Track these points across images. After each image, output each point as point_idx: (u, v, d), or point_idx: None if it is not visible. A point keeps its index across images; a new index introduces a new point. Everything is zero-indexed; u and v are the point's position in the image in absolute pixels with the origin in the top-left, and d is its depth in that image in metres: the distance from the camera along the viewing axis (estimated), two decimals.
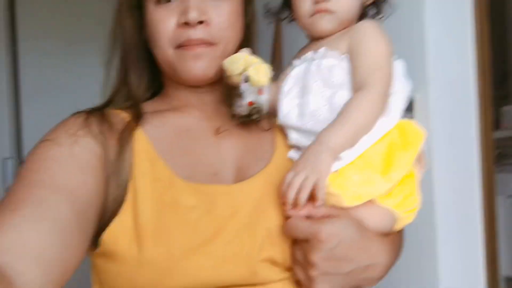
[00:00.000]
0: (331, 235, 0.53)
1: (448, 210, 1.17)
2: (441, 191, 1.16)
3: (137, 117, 0.64)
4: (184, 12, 0.62)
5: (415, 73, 1.17)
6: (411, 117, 1.16)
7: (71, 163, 0.56)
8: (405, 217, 0.60)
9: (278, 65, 1.71)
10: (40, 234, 0.48)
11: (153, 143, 0.62)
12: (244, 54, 0.61)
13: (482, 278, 1.19)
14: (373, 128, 0.58)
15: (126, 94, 0.68)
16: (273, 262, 0.57)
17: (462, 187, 1.19)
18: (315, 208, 0.55)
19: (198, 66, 0.64)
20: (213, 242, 0.55)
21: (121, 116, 0.65)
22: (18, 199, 0.51)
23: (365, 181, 0.55)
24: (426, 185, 1.14)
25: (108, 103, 0.68)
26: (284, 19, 0.71)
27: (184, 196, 0.57)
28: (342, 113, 0.57)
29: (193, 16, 0.61)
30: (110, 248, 0.56)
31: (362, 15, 0.68)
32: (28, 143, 2.36)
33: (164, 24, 0.63)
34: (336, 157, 0.56)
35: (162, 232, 0.55)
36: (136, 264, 0.53)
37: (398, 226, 0.61)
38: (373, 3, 0.68)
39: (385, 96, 0.59)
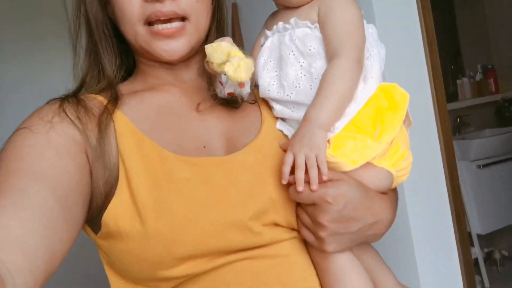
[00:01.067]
0: (338, 197, 0.56)
1: (415, 180, 1.24)
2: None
3: (114, 99, 0.62)
4: None
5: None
6: None
7: (48, 149, 0.54)
8: (400, 175, 0.63)
9: (240, 42, 1.75)
10: (22, 222, 0.47)
11: (134, 124, 0.60)
12: (228, 45, 0.58)
13: (452, 236, 1.29)
14: (356, 94, 0.59)
15: (98, 76, 0.66)
16: (277, 225, 0.59)
17: (425, 158, 1.28)
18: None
19: (173, 46, 0.62)
20: (215, 209, 0.55)
21: (98, 100, 0.62)
22: None
23: (360, 145, 0.58)
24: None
25: (81, 87, 0.66)
26: None
27: (177, 169, 0.57)
28: (323, 85, 0.58)
29: None
30: (113, 229, 0.55)
31: None
32: None
33: (131, 3, 0.61)
34: (328, 130, 0.58)
35: (162, 205, 0.54)
36: (142, 239, 0.53)
37: (394, 184, 0.64)
38: None
39: (359, 61, 0.59)
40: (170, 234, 0.53)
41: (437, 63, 1.32)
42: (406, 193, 1.22)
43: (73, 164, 0.55)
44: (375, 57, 0.63)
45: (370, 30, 0.66)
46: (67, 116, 0.58)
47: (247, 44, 1.98)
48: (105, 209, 0.56)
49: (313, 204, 0.57)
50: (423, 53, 1.29)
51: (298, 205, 0.60)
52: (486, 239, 2.68)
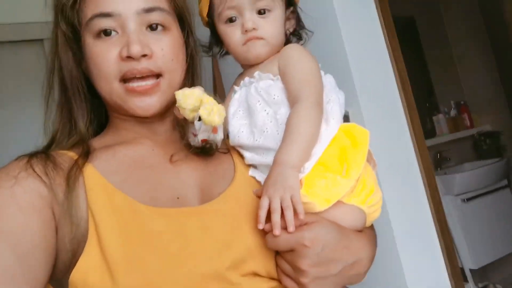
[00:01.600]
0: (315, 240, 0.55)
1: (399, 213, 1.25)
2: (389, 200, 1.24)
3: (85, 154, 0.61)
4: (126, 45, 0.61)
5: (345, 90, 1.29)
6: None
7: (11, 204, 0.52)
8: (372, 211, 0.65)
9: (222, 96, 1.78)
10: None
11: (105, 177, 0.59)
12: (198, 91, 0.60)
13: (445, 272, 1.28)
14: (320, 136, 0.63)
15: (70, 131, 0.66)
16: (257, 275, 0.57)
17: (409, 195, 1.29)
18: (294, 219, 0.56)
19: (147, 102, 0.63)
20: (190, 261, 0.54)
21: (68, 155, 0.61)
22: None
23: (331, 183, 0.60)
24: None
25: (52, 143, 0.65)
26: (217, 53, 0.78)
27: (150, 222, 0.56)
28: (288, 129, 0.62)
29: (136, 49, 0.60)
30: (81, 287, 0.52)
31: (287, 42, 0.76)
32: None
33: (106, 57, 0.62)
34: (299, 171, 0.60)
35: (134, 260, 0.52)
36: None
37: (369, 221, 0.66)
38: (294, 31, 0.78)
39: (319, 104, 0.64)
40: None
41: (412, 102, 1.37)
42: (395, 233, 1.22)
43: (37, 220, 0.53)
44: (334, 101, 0.68)
45: (328, 79, 0.72)
46: (34, 171, 0.56)
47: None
48: (73, 268, 0.53)
49: (292, 251, 0.56)
50: (398, 93, 1.33)
51: (277, 253, 0.59)
52: (479, 274, 2.65)
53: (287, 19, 0.75)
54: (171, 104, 0.66)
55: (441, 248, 1.30)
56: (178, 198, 0.61)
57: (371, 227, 0.69)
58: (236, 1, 0.69)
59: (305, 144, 0.61)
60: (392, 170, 1.26)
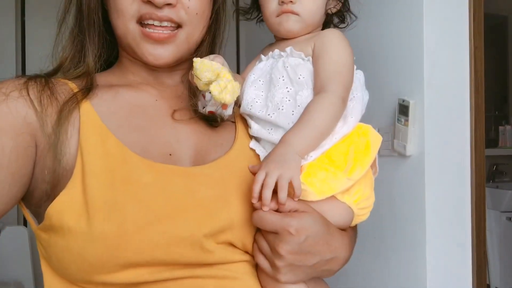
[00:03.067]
0: (301, 230, 0.55)
1: (438, 216, 1.22)
2: (431, 197, 1.21)
3: (87, 89, 0.59)
4: None
5: (412, 78, 1.26)
6: (407, 121, 1.23)
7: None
8: (361, 214, 0.65)
9: (243, 62, 1.64)
10: None
11: (101, 118, 0.58)
12: (219, 66, 0.58)
13: (470, 284, 1.25)
14: (335, 130, 0.63)
15: (77, 62, 0.63)
16: (231, 245, 0.57)
17: (454, 200, 1.25)
18: (285, 202, 0.56)
19: (160, 51, 0.61)
20: (168, 220, 0.53)
21: (68, 86, 0.60)
22: None
23: (330, 177, 0.59)
24: (418, 188, 1.21)
25: (58, 69, 0.63)
26: (253, 18, 0.75)
27: (138, 172, 0.54)
28: (306, 114, 0.61)
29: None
30: (55, 223, 0.52)
31: (327, 22, 0.73)
32: None
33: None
34: (303, 158, 0.60)
35: (114, 207, 0.51)
36: (85, 239, 0.50)
37: (354, 222, 0.66)
38: (337, 12, 0.73)
39: (344, 100, 0.63)
40: (115, 238, 0.51)
41: (481, 106, 1.29)
42: (427, 234, 1.19)
43: (12, 144, 0.52)
44: (358, 99, 0.66)
45: (358, 76, 0.69)
46: (28, 94, 0.55)
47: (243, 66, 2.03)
48: (52, 200, 0.53)
49: (275, 232, 0.56)
50: (468, 94, 1.27)
51: (258, 230, 0.59)
52: None
53: None
54: (185, 58, 0.64)
55: (472, 260, 1.26)
56: (170, 155, 0.60)
57: (354, 228, 0.69)
58: None
59: (318, 135, 0.60)
60: (442, 170, 1.22)
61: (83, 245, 0.51)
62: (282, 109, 0.64)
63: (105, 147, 0.55)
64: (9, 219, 2.27)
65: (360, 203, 0.63)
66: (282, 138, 0.60)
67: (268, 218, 0.55)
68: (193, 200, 0.56)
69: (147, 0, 0.58)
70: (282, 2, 0.66)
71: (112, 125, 0.58)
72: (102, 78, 0.65)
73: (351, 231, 0.66)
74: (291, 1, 0.66)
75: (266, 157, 0.59)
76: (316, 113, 0.60)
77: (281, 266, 0.55)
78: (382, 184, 1.37)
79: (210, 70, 0.57)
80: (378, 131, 1.18)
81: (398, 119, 1.27)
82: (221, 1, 0.68)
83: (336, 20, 0.73)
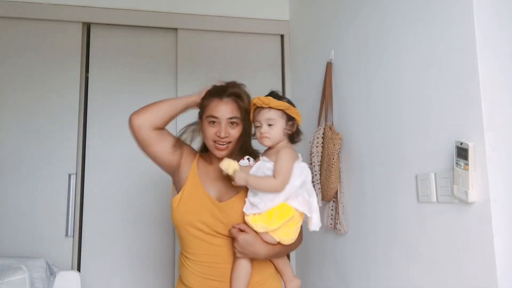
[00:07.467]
0: (242, 240, 1.37)
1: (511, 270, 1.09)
2: (502, 246, 1.09)
3: (200, 156, 1.57)
4: (219, 131, 1.42)
5: (468, 116, 1.17)
6: (467, 164, 1.14)
7: (169, 146, 1.48)
8: (283, 240, 1.39)
9: (329, 96, 2.12)
10: None
11: (198, 169, 1.52)
12: (232, 163, 1.36)
13: None
14: (274, 201, 1.35)
15: (203, 147, 1.59)
16: (220, 234, 1.44)
17: None
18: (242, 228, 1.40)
19: (222, 153, 1.45)
20: (199, 215, 1.46)
21: (194, 153, 1.58)
22: None
23: (263, 224, 1.35)
24: (485, 238, 1.10)
25: (201, 147, 1.60)
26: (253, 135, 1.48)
27: (199, 194, 1.48)
28: (262, 178, 1.36)
29: (223, 134, 1.42)
30: (173, 204, 1.48)
31: (292, 135, 1.44)
32: (90, 161, 2.56)
33: (211, 132, 1.44)
34: (248, 184, 1.36)
35: (182, 204, 1.46)
36: (177, 210, 1.47)
37: (283, 242, 1.40)
38: (292, 133, 1.43)
39: (282, 184, 1.34)
40: (183, 213, 1.45)
41: None
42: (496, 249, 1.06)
43: (175, 150, 1.49)
44: (292, 186, 1.36)
45: (296, 170, 1.39)
46: (190, 145, 1.57)
47: (335, 97, 2.03)
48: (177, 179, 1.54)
49: (236, 238, 1.39)
50: None
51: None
52: None
53: (288, 127, 1.41)
54: (229, 154, 1.46)
55: None
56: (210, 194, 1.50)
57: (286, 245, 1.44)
58: (258, 118, 1.40)
59: (257, 186, 1.35)
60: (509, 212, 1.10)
61: (177, 212, 1.45)
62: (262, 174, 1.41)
63: (194, 180, 1.48)
64: (63, 264, 2.34)
65: (282, 237, 1.37)
66: (248, 176, 1.37)
67: (233, 233, 1.39)
68: (227, 219, 1.45)
69: (218, 136, 1.42)
70: (261, 133, 1.39)
71: (200, 173, 1.50)
72: (203, 155, 1.56)
73: (278, 246, 1.41)
74: (265, 132, 1.40)
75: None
76: (265, 181, 1.35)
77: (236, 251, 1.38)
78: (442, 231, 1.26)
79: (229, 167, 1.35)
80: (435, 176, 1.18)
81: (457, 163, 1.19)
82: (248, 126, 1.46)
83: (294, 136, 1.45)
